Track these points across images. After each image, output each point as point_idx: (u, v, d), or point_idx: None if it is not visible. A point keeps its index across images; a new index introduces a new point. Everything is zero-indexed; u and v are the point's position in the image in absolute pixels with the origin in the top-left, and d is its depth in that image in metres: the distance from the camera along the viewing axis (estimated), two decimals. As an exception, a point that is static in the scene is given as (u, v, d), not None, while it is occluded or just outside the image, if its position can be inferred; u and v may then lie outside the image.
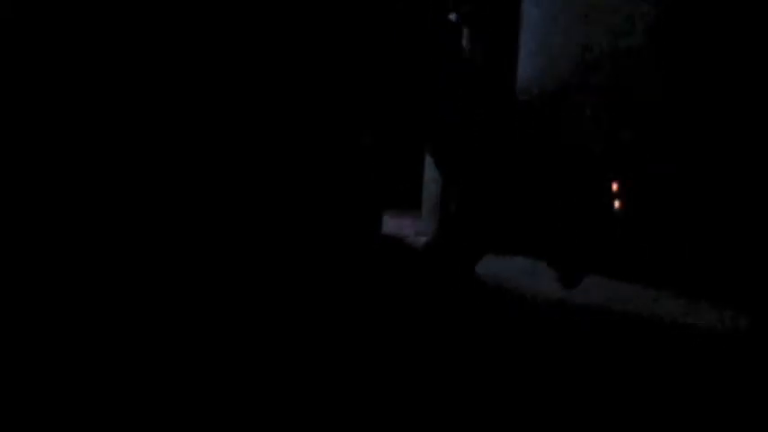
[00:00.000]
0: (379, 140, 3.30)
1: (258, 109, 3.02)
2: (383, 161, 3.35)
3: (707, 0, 3.14)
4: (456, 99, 3.22)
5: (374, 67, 3.19)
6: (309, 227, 3.08)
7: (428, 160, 3.91)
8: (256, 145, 3.02)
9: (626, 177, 3.21)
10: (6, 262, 2.61)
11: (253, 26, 2.99)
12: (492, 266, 3.32)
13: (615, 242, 3.11)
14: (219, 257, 2.89)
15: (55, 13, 2.73)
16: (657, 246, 3.20)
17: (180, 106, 2.90)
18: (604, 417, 1.99)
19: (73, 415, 1.78)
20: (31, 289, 2.52)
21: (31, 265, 2.64)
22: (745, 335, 2.74)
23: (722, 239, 3.09)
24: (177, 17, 2.87)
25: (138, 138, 2.85)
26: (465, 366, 2.26)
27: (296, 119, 3.08)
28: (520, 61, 3.52)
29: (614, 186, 3.10)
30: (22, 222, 2.69)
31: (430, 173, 3.92)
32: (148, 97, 2.86)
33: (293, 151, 3.08)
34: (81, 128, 2.79)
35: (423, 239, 3.63)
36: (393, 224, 4.17)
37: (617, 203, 3.09)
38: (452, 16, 3.23)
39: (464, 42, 3.43)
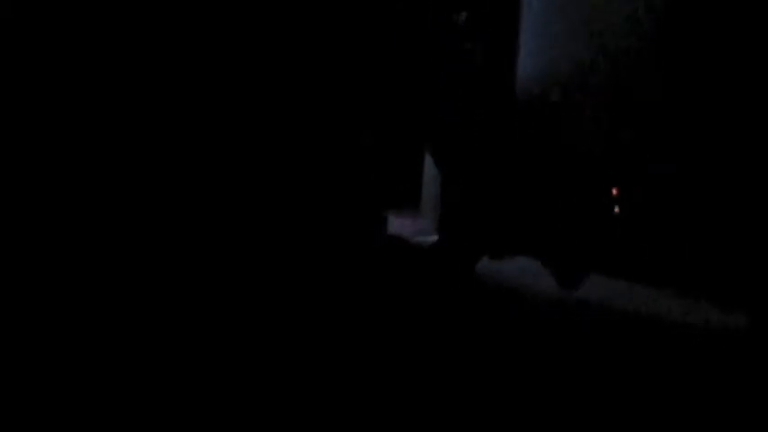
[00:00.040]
0: (380, 140, 3.30)
1: (259, 109, 3.02)
2: (383, 161, 3.35)
3: (708, 1, 3.14)
4: (456, 99, 3.22)
5: (375, 68, 3.19)
6: (309, 226, 3.07)
7: (428, 160, 3.90)
8: (257, 145, 3.01)
9: (626, 177, 3.21)
10: (6, 262, 2.61)
11: (253, 26, 2.99)
12: (492, 266, 3.32)
13: (615, 242, 3.11)
14: (222, 256, 2.88)
15: (55, 13, 2.73)
16: (657, 245, 3.20)
17: (181, 107, 2.90)
18: (604, 416, 1.99)
19: (73, 414, 1.78)
20: (31, 288, 2.52)
21: (32, 264, 2.63)
22: (744, 334, 2.74)
23: (721, 239, 3.09)
24: (178, 17, 2.87)
25: (139, 138, 2.85)
26: (465, 365, 2.26)
27: (296, 119, 3.08)
28: (520, 61, 3.51)
29: (614, 186, 3.10)
30: (22, 222, 2.69)
31: (430, 173, 3.91)
32: (149, 97, 2.86)
33: (293, 151, 3.08)
34: (81, 128, 2.79)
35: (422, 239, 3.63)
36: (393, 224, 4.16)
37: (616, 203, 3.09)
38: (462, 17, 3.24)
39: (464, 42, 3.42)
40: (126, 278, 2.67)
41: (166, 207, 2.87)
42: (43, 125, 2.75)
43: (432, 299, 2.91)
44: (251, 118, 3.00)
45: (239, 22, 2.96)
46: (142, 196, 2.84)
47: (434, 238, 3.46)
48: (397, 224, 4.11)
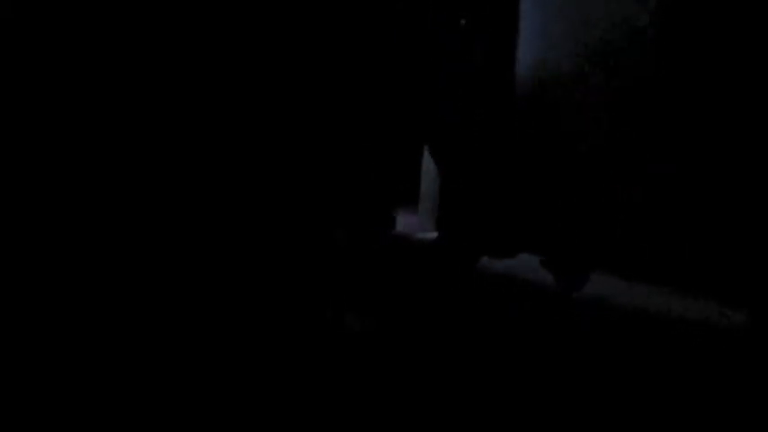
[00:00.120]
0: (380, 140, 3.30)
1: (259, 110, 3.02)
2: (383, 161, 3.36)
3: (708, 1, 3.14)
4: (456, 99, 3.23)
5: (375, 67, 3.19)
6: (309, 226, 3.08)
7: (427, 159, 3.91)
8: (258, 145, 3.02)
9: (626, 177, 3.22)
10: (6, 261, 2.61)
11: (253, 26, 2.99)
12: (492, 265, 3.33)
13: (614, 241, 3.12)
14: (222, 255, 2.89)
15: (55, 13, 2.73)
16: (657, 244, 3.21)
17: (181, 107, 2.90)
18: (605, 415, 2.00)
19: (72, 414, 1.78)
20: (31, 288, 2.52)
21: (31, 264, 2.64)
22: (744, 331, 2.75)
23: (721, 238, 3.10)
24: (178, 17, 2.87)
25: (139, 138, 2.85)
26: (465, 364, 2.27)
27: (296, 119, 3.08)
28: (519, 61, 3.52)
29: (613, 186, 3.11)
30: (21, 222, 2.69)
31: (429, 172, 3.92)
32: (150, 97, 2.86)
33: (294, 151, 3.08)
34: (80, 127, 2.79)
35: (422, 237, 3.64)
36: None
37: (616, 203, 3.10)
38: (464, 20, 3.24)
39: (464, 43, 3.43)
40: (124, 276, 2.67)
41: (166, 207, 2.87)
42: (43, 125, 2.75)
43: (432, 297, 2.91)
44: (252, 118, 3.00)
45: (239, 22, 2.96)
46: (142, 196, 2.85)
47: (434, 235, 3.47)
48: (397, 223, 4.12)
